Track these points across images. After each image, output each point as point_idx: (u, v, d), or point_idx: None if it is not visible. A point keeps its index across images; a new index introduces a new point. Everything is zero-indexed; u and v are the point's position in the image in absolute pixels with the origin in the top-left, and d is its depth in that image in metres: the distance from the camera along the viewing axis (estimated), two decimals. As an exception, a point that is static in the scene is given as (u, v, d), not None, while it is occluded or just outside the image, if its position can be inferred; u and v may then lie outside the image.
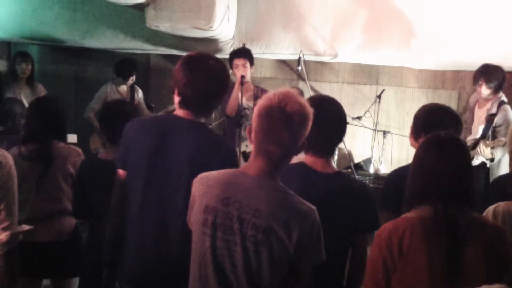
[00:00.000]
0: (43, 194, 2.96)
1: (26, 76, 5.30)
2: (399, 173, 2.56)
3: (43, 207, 2.97)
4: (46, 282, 3.29)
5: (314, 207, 1.76)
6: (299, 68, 5.48)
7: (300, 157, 3.05)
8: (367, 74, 6.24)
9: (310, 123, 1.76)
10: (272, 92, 1.77)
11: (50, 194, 2.97)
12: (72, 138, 4.28)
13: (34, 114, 3.01)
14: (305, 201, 1.77)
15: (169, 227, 2.08)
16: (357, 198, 2.13)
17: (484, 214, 2.16)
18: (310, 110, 1.76)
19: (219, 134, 2.28)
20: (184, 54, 6.10)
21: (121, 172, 2.21)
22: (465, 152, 1.89)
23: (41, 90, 5.38)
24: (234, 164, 2.10)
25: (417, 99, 6.07)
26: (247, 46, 5.50)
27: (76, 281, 3.05)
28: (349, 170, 4.98)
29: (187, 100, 2.14)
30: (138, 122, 2.22)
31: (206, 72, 2.11)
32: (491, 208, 2.17)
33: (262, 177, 1.75)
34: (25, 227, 2.60)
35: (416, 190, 1.85)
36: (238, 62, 4.65)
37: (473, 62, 5.31)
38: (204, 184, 1.81)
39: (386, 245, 1.79)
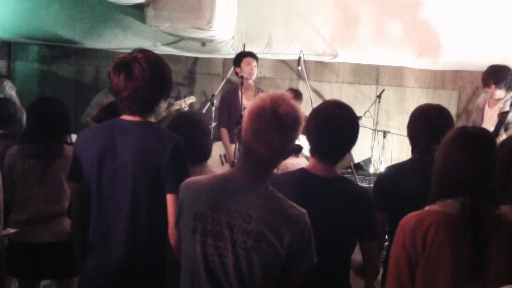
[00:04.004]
0: (45, 194, 2.96)
1: None
2: (388, 175, 2.60)
3: (44, 207, 2.97)
4: (45, 281, 3.29)
5: (304, 211, 1.73)
6: (299, 68, 5.48)
7: (299, 162, 3.07)
8: (367, 74, 6.24)
9: (300, 128, 1.74)
10: (266, 93, 1.74)
11: (52, 195, 2.97)
12: (72, 138, 4.27)
13: (37, 114, 2.99)
14: (295, 205, 1.73)
15: (120, 231, 2.09)
16: (358, 204, 2.10)
17: None
18: (302, 115, 1.74)
19: (167, 130, 2.26)
20: (184, 54, 6.20)
21: (75, 185, 2.22)
22: (495, 148, 1.86)
23: (9, 87, 5.26)
24: (182, 159, 2.10)
25: (417, 99, 6.06)
26: (247, 46, 5.52)
27: (76, 280, 3.05)
28: (349, 170, 4.98)
29: (122, 103, 2.12)
30: (84, 133, 2.21)
31: (129, 73, 2.06)
32: None
33: (251, 181, 1.73)
34: (11, 230, 2.60)
35: (444, 184, 1.82)
36: (251, 60, 4.87)
37: (473, 62, 5.32)
38: (192, 190, 1.78)
39: (410, 236, 1.77)
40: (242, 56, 4.92)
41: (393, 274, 1.82)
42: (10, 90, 5.27)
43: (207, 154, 2.72)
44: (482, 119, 4.89)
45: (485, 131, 1.95)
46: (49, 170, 2.95)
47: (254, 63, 4.87)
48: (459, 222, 1.74)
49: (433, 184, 1.86)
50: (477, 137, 1.82)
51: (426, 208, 1.83)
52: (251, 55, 4.93)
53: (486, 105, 4.88)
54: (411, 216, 1.82)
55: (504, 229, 1.77)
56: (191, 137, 2.47)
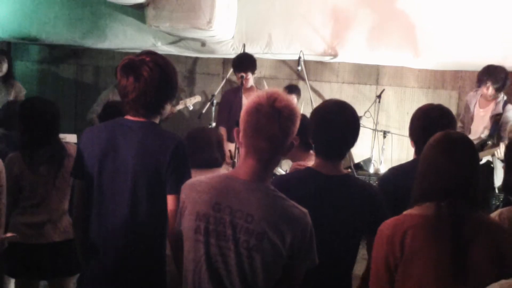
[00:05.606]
0: (57, 194, 2.97)
1: (1, 75, 5.17)
2: (390, 176, 2.59)
3: (56, 207, 2.97)
4: (45, 281, 3.28)
5: (306, 211, 1.74)
6: (299, 68, 5.48)
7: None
8: (367, 74, 6.24)
9: (298, 120, 1.76)
10: (260, 91, 1.79)
11: (63, 194, 2.98)
12: (72, 138, 4.28)
13: (36, 116, 2.94)
14: (297, 205, 1.75)
15: (120, 231, 2.09)
16: (367, 201, 2.12)
17: None
18: (298, 108, 1.78)
19: (168, 131, 2.26)
20: (184, 54, 6.21)
21: (77, 182, 2.22)
22: (475, 152, 1.87)
23: (20, 89, 5.31)
24: (183, 159, 2.09)
25: (417, 99, 6.07)
26: (247, 46, 5.52)
27: (71, 279, 3.05)
28: (349, 170, 4.98)
29: (129, 105, 2.13)
30: (88, 131, 2.22)
31: (138, 76, 2.06)
32: (494, 214, 2.14)
33: (252, 180, 1.74)
34: (9, 234, 2.60)
35: (424, 188, 1.83)
36: (239, 75, 4.81)
37: (473, 62, 5.31)
38: (194, 190, 1.79)
39: (388, 242, 1.77)
40: (234, 70, 4.91)
41: (373, 280, 1.83)
42: (20, 91, 5.28)
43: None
44: (471, 118, 4.87)
45: (464, 136, 1.95)
46: (60, 171, 2.95)
47: (248, 76, 4.81)
48: (436, 223, 1.75)
49: (414, 188, 1.87)
50: (455, 142, 1.83)
51: (404, 212, 1.85)
52: (239, 69, 4.84)
53: (477, 105, 4.86)
54: (389, 221, 1.83)
55: (487, 232, 1.77)
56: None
